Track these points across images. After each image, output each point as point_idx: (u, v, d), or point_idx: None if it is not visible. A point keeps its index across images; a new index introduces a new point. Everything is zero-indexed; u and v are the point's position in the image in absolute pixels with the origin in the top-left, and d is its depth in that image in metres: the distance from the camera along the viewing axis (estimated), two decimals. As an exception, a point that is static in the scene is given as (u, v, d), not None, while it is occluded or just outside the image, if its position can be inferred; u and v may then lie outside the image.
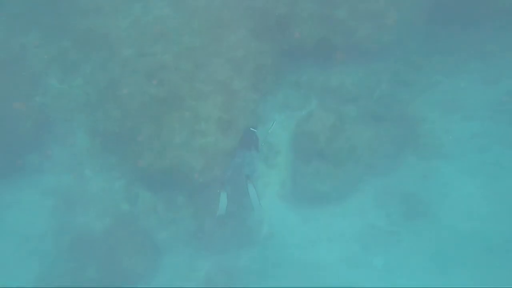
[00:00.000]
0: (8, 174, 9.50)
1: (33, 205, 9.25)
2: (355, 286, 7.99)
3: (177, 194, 9.25)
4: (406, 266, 8.09)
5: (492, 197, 8.15)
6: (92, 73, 10.28)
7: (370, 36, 9.50)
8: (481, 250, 7.79)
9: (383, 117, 9.16)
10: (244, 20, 9.90)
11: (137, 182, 9.40)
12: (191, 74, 9.54)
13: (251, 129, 8.78)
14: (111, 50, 10.17)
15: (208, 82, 9.49)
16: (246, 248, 8.95)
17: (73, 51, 10.46)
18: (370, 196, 8.81)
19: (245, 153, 8.49)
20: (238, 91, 9.48)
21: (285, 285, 8.35)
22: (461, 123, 8.86)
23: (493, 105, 8.76)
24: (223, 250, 8.92)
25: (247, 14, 9.89)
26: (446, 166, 8.74)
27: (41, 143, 9.68)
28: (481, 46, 9.49)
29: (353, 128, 9.07)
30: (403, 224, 8.48)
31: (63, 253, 8.83)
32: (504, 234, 7.73)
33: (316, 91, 9.70)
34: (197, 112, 9.40)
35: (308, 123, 9.32)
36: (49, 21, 10.66)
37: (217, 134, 9.33)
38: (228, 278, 8.62)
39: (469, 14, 9.33)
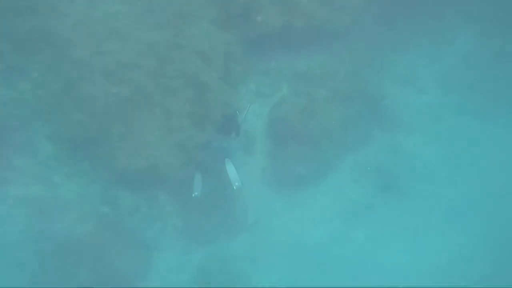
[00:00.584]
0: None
1: (3, 216, 8.50)
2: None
3: (158, 192, 9.06)
4: (385, 237, 8.85)
5: (451, 162, 9.14)
6: (41, 77, 9.41)
7: (329, 18, 9.85)
8: (447, 215, 8.76)
9: (350, 96, 9.67)
10: (204, 10, 9.66)
11: (114, 184, 9.01)
12: (155, 70, 9.16)
13: (237, 112, 8.94)
14: (58, 51, 9.30)
15: (175, 77, 9.20)
16: (234, 236, 9.11)
17: (13, 55, 9.44)
18: (346, 172, 9.38)
19: (223, 138, 8.68)
20: (208, 83, 9.33)
21: (277, 268, 8.70)
22: (416, 96, 9.70)
23: (440, 78, 9.69)
24: (213, 241, 9.00)
25: (207, 4, 9.65)
26: (408, 137, 9.54)
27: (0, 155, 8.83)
28: (425, 23, 10.31)
29: (324, 109, 9.48)
30: (378, 196, 9.18)
31: (48, 260, 8.32)
32: (467, 196, 8.76)
33: (285, 77, 9.92)
34: (168, 108, 9.13)
35: (280, 108, 9.54)
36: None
37: (192, 129, 9.18)
38: (222, 265, 8.76)
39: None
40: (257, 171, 9.50)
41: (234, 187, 8.56)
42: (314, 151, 9.32)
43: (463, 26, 10.14)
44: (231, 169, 8.53)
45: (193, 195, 8.56)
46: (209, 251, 8.94)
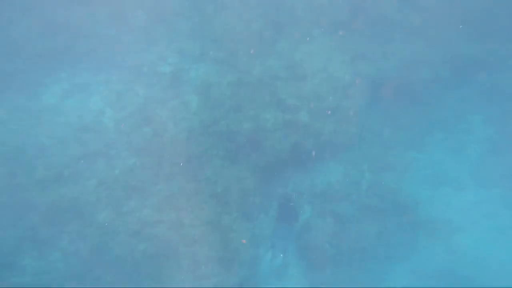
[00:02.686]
0: None
1: None
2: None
3: None
4: None
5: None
6: (70, 245, 9.59)
7: (336, 131, 9.76)
8: None
9: (380, 207, 9.13)
10: (213, 150, 9.84)
11: None
12: (176, 222, 9.18)
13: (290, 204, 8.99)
14: (84, 217, 9.59)
15: (196, 225, 9.14)
16: None
17: (43, 227, 9.77)
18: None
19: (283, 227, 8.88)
20: (229, 225, 9.17)
21: None
22: (454, 194, 9.02)
23: (473, 170, 9.04)
24: None
25: (214, 142, 9.86)
26: (466, 238, 8.72)
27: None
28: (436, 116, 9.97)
29: (356, 227, 8.94)
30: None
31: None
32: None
33: (306, 197, 9.60)
34: (194, 257, 8.94)
35: (309, 234, 9.09)
36: (7, 199, 10.01)
37: (222, 274, 8.87)
38: None
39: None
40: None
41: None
42: (357, 272, 8.64)
43: (470, 113, 9.70)
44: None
45: None
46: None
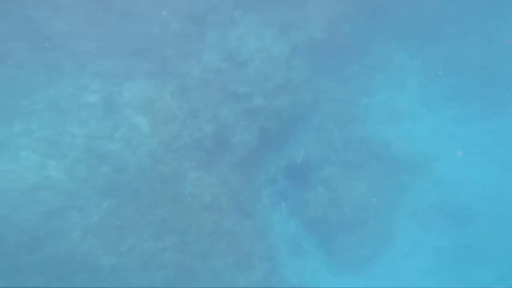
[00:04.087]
0: None
1: None
2: None
3: None
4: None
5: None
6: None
7: (294, 102, 9.99)
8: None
9: (359, 161, 9.74)
10: (184, 165, 9.51)
11: None
12: (180, 243, 8.94)
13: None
14: (88, 266, 8.64)
15: (201, 240, 8.96)
16: None
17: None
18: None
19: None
20: (232, 229, 9.07)
21: None
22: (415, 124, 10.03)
23: (420, 100, 10.09)
24: None
25: (183, 157, 9.47)
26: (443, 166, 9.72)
27: None
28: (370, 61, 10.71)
29: (347, 187, 9.45)
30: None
31: None
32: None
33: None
34: (214, 268, 8.84)
35: (309, 210, 9.41)
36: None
37: (244, 272, 8.88)
38: None
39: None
40: (320, 267, 9.22)
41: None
42: (366, 233, 9.27)
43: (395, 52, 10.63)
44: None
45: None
46: None
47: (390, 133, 9.86)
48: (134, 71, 10.32)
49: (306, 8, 10.98)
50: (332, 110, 10.14)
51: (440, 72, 9.96)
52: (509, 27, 10.32)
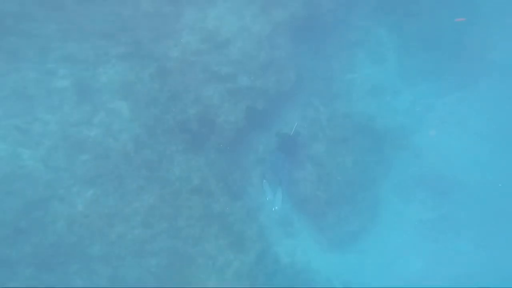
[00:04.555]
0: None
1: None
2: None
3: None
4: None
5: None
6: (87, 282, 8.28)
7: (279, 81, 9.90)
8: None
9: (344, 136, 9.87)
10: (170, 148, 9.26)
11: None
12: (172, 229, 8.79)
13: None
14: (79, 255, 8.25)
15: (192, 224, 8.87)
16: None
17: (44, 275, 8.09)
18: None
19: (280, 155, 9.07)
20: (222, 211, 8.93)
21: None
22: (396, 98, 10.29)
23: (400, 74, 10.35)
24: None
25: (168, 141, 9.20)
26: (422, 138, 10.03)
27: None
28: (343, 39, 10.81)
29: (334, 163, 9.55)
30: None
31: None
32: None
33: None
34: (208, 252, 8.70)
35: (298, 188, 9.43)
36: None
37: (238, 254, 8.82)
38: None
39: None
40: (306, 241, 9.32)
41: (273, 209, 8.96)
42: (354, 207, 9.42)
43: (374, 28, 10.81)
44: (272, 191, 8.88)
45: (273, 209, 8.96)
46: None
47: (373, 108, 10.05)
48: (106, 55, 9.78)
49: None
50: (317, 87, 10.14)
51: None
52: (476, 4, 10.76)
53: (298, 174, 9.49)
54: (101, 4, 10.00)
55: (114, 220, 8.38)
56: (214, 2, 10.29)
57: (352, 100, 10.06)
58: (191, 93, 9.51)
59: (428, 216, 9.62)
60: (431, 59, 10.45)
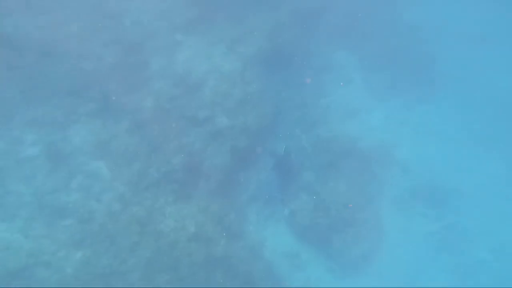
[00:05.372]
0: None
1: None
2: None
3: None
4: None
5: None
6: None
7: (258, 115, 9.94)
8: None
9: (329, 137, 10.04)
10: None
11: None
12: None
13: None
14: None
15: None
16: None
17: None
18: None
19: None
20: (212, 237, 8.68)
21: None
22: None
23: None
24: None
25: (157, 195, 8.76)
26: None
27: None
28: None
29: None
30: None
31: None
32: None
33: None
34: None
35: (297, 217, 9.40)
36: None
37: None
38: None
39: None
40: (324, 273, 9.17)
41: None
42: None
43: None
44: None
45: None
46: None
47: (352, 128, 10.33)
48: (75, 113, 9.33)
49: (245, 23, 11.09)
50: (295, 116, 10.29)
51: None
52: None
53: (294, 206, 9.44)
54: (61, 60, 9.59)
55: (111, 279, 7.80)
56: (179, 46, 10.23)
57: (331, 123, 10.30)
58: (172, 142, 9.26)
59: (433, 228, 9.63)
60: (392, 75, 11.04)
